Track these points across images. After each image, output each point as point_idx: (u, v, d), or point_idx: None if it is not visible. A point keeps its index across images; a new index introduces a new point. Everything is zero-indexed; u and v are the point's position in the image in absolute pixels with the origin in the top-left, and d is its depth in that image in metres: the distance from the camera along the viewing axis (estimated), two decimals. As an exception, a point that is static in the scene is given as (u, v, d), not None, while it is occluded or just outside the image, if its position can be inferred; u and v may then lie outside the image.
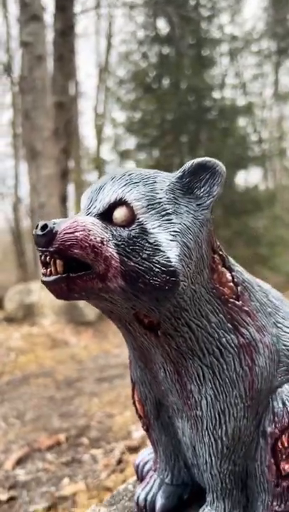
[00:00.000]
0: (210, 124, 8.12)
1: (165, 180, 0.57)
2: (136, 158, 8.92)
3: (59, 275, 0.52)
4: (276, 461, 0.58)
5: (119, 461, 1.74)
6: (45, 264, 0.54)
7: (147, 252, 0.53)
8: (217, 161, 0.57)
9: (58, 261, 0.53)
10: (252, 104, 8.65)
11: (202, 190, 0.57)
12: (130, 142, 8.96)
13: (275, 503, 0.59)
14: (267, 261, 7.10)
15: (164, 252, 0.53)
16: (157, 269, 0.52)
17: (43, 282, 0.54)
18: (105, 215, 0.55)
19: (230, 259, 0.63)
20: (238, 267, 0.63)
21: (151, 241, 0.53)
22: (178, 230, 0.54)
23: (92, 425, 2.20)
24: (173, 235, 0.54)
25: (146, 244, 0.53)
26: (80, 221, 0.53)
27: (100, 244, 0.52)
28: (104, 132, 9.78)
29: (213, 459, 0.59)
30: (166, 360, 0.59)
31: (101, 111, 10.05)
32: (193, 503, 0.68)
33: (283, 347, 0.62)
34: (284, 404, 0.59)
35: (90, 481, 1.62)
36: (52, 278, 0.53)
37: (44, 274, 0.54)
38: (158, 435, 0.69)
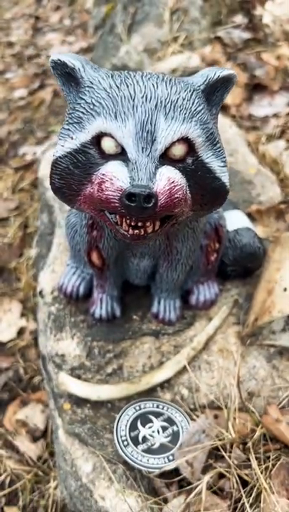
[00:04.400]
0: None
1: (201, 103, 0.56)
2: None
3: (157, 231, 0.54)
4: (207, 256, 0.86)
5: None
6: (136, 227, 0.53)
7: (207, 181, 0.58)
8: (233, 71, 0.57)
9: (156, 222, 0.53)
10: None
11: (214, 98, 0.59)
12: None
13: (201, 278, 0.90)
14: None
15: (219, 178, 0.59)
16: (216, 194, 0.60)
17: (132, 239, 0.54)
18: (164, 153, 0.54)
19: None
20: None
21: (207, 171, 0.58)
22: (225, 155, 0.59)
23: None
24: (223, 161, 0.59)
25: (206, 175, 0.58)
26: (172, 178, 0.52)
27: (186, 196, 0.54)
28: None
29: (180, 276, 0.83)
30: (162, 235, 0.71)
31: None
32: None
33: None
34: (210, 224, 0.83)
35: None
36: (150, 235, 0.54)
37: (132, 234, 0.53)
38: (111, 272, 0.83)
